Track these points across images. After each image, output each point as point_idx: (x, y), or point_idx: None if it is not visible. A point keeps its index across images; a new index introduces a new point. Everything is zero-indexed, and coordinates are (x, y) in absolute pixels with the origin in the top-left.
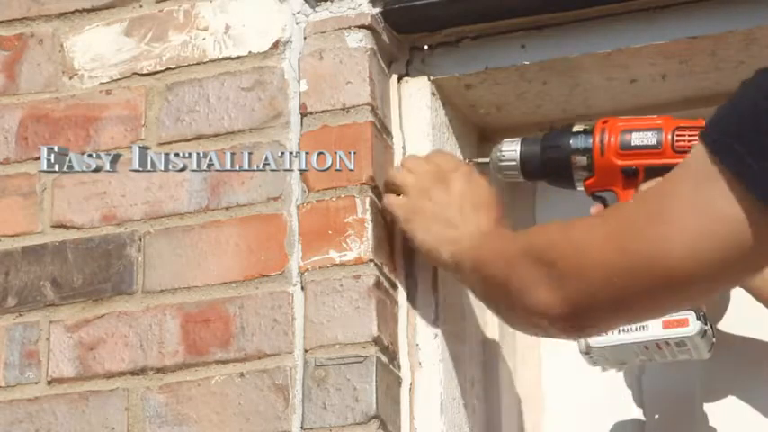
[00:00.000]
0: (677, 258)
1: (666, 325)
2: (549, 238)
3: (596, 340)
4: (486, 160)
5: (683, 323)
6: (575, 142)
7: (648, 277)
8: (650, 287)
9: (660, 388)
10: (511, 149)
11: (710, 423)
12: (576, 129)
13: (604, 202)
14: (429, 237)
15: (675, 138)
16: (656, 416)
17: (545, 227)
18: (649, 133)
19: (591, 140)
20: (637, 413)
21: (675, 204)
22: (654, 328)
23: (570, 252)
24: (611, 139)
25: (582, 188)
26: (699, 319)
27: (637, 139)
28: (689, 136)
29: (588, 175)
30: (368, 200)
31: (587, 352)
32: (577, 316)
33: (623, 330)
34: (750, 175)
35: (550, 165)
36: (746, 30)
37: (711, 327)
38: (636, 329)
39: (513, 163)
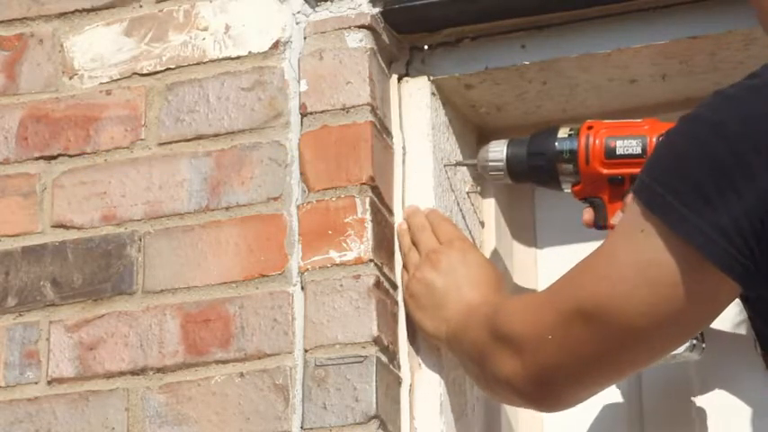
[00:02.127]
0: (619, 310)
1: None
2: (507, 315)
3: None
4: (474, 162)
5: None
6: (560, 147)
7: (596, 334)
8: (601, 345)
9: (659, 385)
10: (497, 150)
11: (708, 421)
12: (561, 134)
13: (595, 206)
14: (425, 320)
15: None
16: (655, 413)
17: (502, 306)
18: (634, 141)
19: (576, 146)
20: (636, 410)
21: (617, 259)
22: None
23: (523, 323)
24: (597, 143)
25: (569, 190)
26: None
27: (621, 147)
28: None
29: (575, 181)
30: (368, 200)
31: None
32: (540, 385)
33: None
34: (680, 223)
35: (536, 171)
36: (746, 30)
37: (701, 334)
38: None
39: (500, 164)
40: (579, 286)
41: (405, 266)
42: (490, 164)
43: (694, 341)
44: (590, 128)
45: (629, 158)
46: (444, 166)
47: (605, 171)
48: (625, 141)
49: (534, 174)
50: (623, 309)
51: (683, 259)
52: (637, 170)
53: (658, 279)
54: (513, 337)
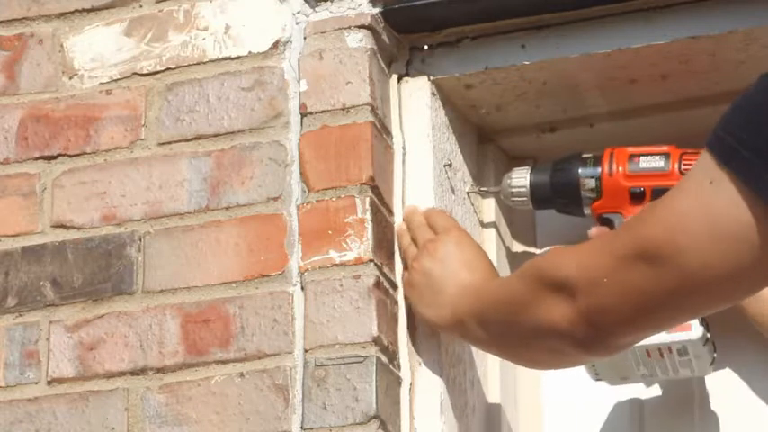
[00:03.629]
0: (683, 256)
1: (670, 329)
2: (556, 260)
3: None
4: (497, 189)
5: (686, 327)
6: (583, 167)
7: (656, 278)
8: (660, 289)
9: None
10: (521, 177)
11: (709, 420)
12: (585, 155)
13: (610, 225)
14: (424, 308)
15: (683, 162)
16: (656, 416)
17: (546, 254)
18: (657, 157)
19: (599, 165)
20: (637, 412)
21: (682, 206)
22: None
23: (578, 266)
24: (620, 163)
25: (589, 212)
26: (701, 324)
27: (644, 162)
28: (695, 161)
29: (596, 197)
30: (368, 200)
31: (592, 364)
32: (593, 329)
33: None
34: (754, 178)
35: (559, 188)
36: (746, 30)
37: (713, 342)
38: None
39: (524, 190)
40: (642, 232)
41: (404, 263)
42: (513, 190)
43: (708, 335)
44: (613, 150)
45: (652, 172)
46: (468, 192)
47: (627, 184)
48: (649, 157)
49: (557, 193)
50: (686, 258)
51: (752, 214)
52: (659, 183)
53: (725, 232)
54: (565, 281)
